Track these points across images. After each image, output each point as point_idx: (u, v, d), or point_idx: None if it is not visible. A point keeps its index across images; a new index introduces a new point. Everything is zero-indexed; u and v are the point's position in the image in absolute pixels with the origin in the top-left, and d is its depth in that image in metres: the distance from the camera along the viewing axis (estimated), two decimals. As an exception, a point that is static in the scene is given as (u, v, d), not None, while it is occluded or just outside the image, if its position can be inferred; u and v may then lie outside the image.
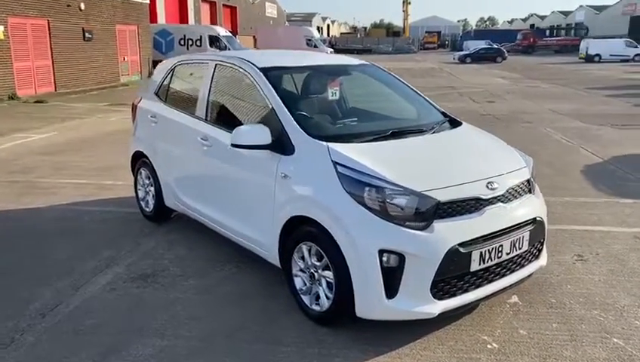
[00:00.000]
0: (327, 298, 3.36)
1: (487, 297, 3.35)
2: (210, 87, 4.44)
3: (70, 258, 4.54)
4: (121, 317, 3.56)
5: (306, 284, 3.53)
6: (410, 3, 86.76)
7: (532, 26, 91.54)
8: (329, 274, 3.30)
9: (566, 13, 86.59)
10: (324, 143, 3.43)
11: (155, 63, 27.86)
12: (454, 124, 4.21)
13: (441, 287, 3.11)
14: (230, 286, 4.01)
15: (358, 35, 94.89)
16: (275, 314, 3.60)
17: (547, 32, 74.87)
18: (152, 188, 5.24)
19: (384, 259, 3.01)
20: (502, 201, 3.35)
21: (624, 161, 8.09)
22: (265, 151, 3.65)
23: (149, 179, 5.28)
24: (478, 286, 3.26)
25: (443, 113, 4.39)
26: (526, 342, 3.25)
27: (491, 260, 3.24)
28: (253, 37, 47.96)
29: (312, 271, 3.44)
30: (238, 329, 3.41)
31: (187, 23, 37.37)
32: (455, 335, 3.32)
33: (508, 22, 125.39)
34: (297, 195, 3.44)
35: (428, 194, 3.09)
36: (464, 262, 3.12)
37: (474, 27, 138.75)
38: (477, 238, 3.15)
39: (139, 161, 5.43)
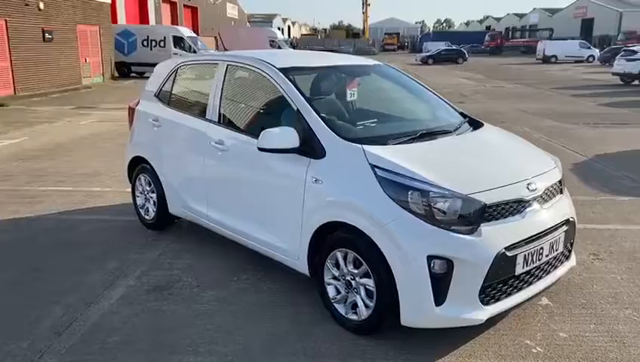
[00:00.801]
0: (367, 306, 3.24)
1: (526, 300, 3.30)
2: (223, 88, 4.25)
3: (73, 271, 4.27)
4: (147, 334, 3.35)
5: (340, 293, 3.41)
6: (369, 4, 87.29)
7: (488, 27, 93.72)
8: (369, 281, 3.18)
9: (520, 15, 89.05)
10: (359, 146, 3.31)
11: (117, 65, 27.22)
12: (476, 124, 4.16)
13: (487, 292, 3.04)
14: (252, 297, 3.84)
15: (319, 37, 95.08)
16: (307, 325, 3.46)
17: (517, 33, 76.48)
18: (154, 195, 5.00)
19: (432, 265, 2.92)
20: (539, 203, 3.31)
21: (608, 159, 8.27)
22: (291, 154, 3.50)
23: (150, 185, 5.04)
24: (519, 290, 3.21)
25: (461, 113, 4.34)
26: (569, 345, 3.21)
27: (533, 263, 3.20)
28: (215, 37, 47.26)
29: (348, 278, 3.32)
30: (274, 343, 3.25)
31: (148, 23, 36.55)
32: (497, 341, 3.26)
33: (464, 24, 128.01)
34: (332, 201, 3.31)
35: (474, 197, 3.01)
36: (510, 265, 3.06)
37: (431, 29, 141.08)
38: (521, 241, 3.10)
39: (138, 166, 5.18)
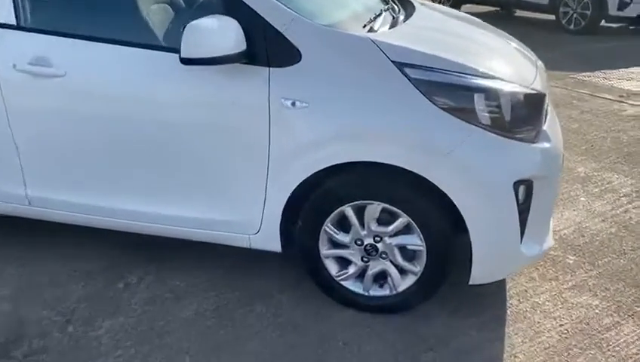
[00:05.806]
0: (405, 273, 2.22)
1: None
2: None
3: None
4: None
5: (350, 264, 2.28)
6: None
7: None
8: (410, 239, 2.15)
9: None
10: (365, 35, 2.09)
11: None
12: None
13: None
14: (190, 306, 2.36)
15: None
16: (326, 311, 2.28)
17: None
18: None
19: (518, 192, 2.06)
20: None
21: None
22: (231, 65, 2.03)
23: None
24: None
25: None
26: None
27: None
28: None
29: (367, 242, 2.20)
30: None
31: None
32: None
33: None
34: (334, 132, 2.04)
35: (535, 90, 2.20)
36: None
37: None
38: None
39: None
